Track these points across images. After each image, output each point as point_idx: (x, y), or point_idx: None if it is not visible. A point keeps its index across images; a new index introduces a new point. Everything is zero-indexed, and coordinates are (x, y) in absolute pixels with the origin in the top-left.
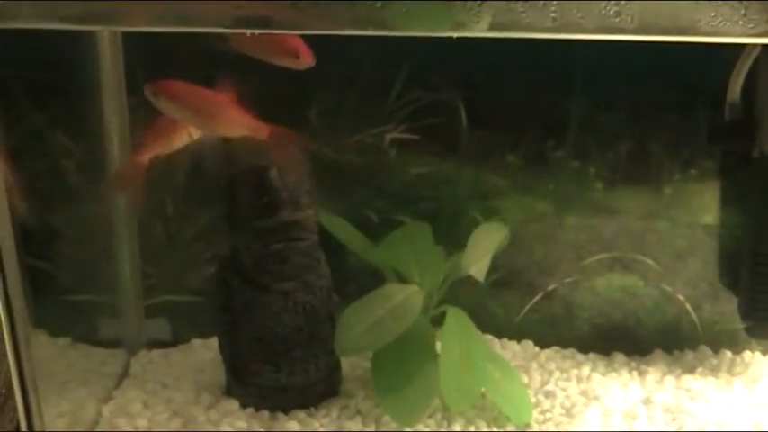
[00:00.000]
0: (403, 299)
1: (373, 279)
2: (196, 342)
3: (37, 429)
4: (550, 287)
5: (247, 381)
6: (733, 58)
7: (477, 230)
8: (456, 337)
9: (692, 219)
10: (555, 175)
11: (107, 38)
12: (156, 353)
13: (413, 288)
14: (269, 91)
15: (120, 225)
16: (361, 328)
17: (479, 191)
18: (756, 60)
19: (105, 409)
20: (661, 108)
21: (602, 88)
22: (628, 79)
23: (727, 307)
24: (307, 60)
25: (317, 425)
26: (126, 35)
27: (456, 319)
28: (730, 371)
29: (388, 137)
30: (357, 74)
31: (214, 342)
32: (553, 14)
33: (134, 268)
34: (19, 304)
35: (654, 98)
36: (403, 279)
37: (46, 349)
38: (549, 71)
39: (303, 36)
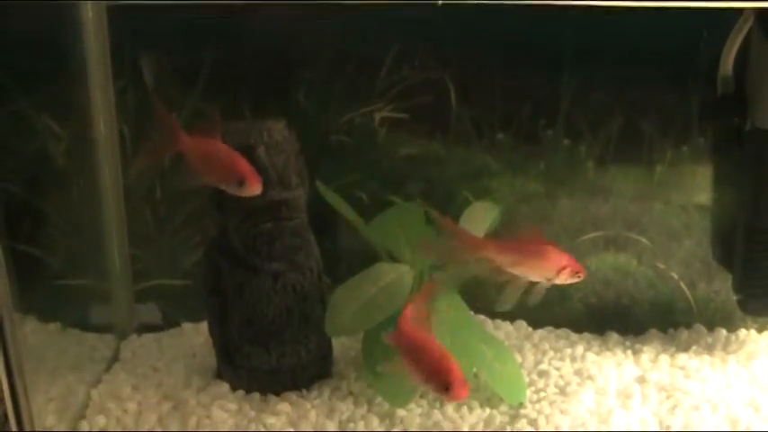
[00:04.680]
0: (394, 278)
1: (364, 260)
2: (186, 326)
3: (23, 413)
4: None
5: (238, 363)
6: (725, 33)
7: (467, 210)
8: (447, 317)
9: (686, 196)
10: (546, 153)
11: (92, 20)
12: (146, 337)
13: (404, 267)
14: (257, 71)
15: (109, 210)
16: (352, 308)
17: (470, 170)
18: (748, 34)
19: (95, 393)
20: (652, 84)
21: (592, 65)
22: (618, 56)
23: (722, 285)
24: (254, 187)
25: (308, 406)
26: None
27: (447, 298)
28: (725, 349)
29: (378, 116)
30: (345, 53)
31: (205, 326)
32: None
33: (123, 253)
34: (2, 287)
35: (645, 74)
36: (394, 259)
37: (36, 335)
38: (538, 49)
39: None
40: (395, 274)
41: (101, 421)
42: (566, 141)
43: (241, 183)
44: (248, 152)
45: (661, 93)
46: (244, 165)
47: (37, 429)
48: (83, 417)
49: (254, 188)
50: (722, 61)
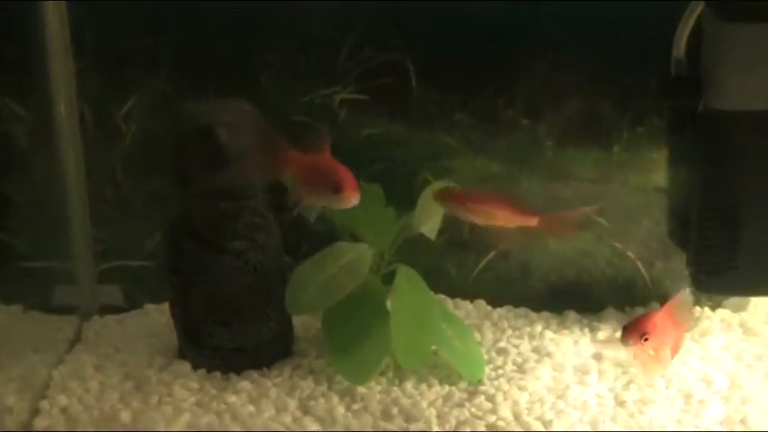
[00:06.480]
0: (354, 257)
1: (327, 241)
2: (149, 307)
3: None
4: (502, 246)
5: (199, 342)
6: (679, 15)
7: (427, 190)
8: (406, 295)
9: (642, 176)
10: (505, 133)
11: (52, 3)
12: (109, 318)
13: (363, 246)
14: (218, 52)
15: (71, 191)
16: (313, 286)
17: (431, 151)
18: (700, 16)
19: (56, 373)
20: (609, 66)
21: (550, 46)
22: (576, 37)
23: (678, 264)
24: (350, 195)
25: (269, 385)
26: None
27: (406, 276)
28: None
29: (338, 97)
30: (306, 34)
31: (167, 306)
32: None
33: (86, 235)
34: None
35: (601, 56)
36: (355, 239)
37: None
38: (497, 30)
39: None
40: (355, 253)
41: (62, 401)
42: (525, 121)
43: (337, 190)
44: (207, 132)
45: (617, 74)
46: (342, 172)
47: None
48: (44, 396)
49: (351, 197)
50: (675, 43)
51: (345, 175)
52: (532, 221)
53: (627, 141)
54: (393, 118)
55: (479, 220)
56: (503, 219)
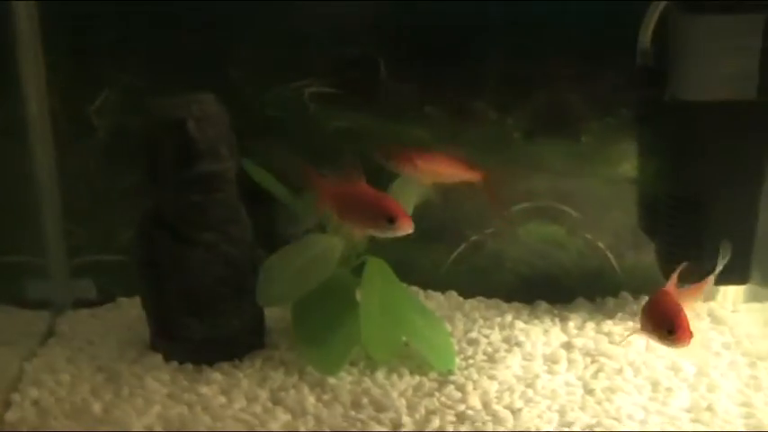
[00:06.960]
0: (323, 248)
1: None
2: (122, 300)
3: None
4: (473, 238)
5: (171, 334)
6: (646, 6)
7: (396, 182)
8: (376, 286)
9: (612, 167)
10: (475, 126)
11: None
12: (82, 312)
13: (333, 238)
14: (188, 46)
15: (44, 185)
16: (283, 277)
17: (401, 143)
18: (666, 8)
19: (28, 366)
20: (577, 57)
21: (517, 38)
22: (543, 29)
23: (648, 254)
24: (405, 225)
25: (240, 376)
26: None
27: (376, 267)
28: None
29: (308, 91)
30: (275, 28)
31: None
32: None
33: (58, 229)
34: None
35: (569, 47)
36: (325, 231)
37: None
38: (465, 23)
39: None
40: (324, 245)
41: (33, 393)
42: (494, 114)
43: (391, 221)
44: (178, 125)
45: (585, 65)
46: (392, 204)
47: None
48: (15, 389)
49: (407, 225)
50: (641, 34)
51: (394, 204)
52: (476, 177)
53: (595, 132)
54: (363, 111)
55: (426, 178)
56: (448, 175)
